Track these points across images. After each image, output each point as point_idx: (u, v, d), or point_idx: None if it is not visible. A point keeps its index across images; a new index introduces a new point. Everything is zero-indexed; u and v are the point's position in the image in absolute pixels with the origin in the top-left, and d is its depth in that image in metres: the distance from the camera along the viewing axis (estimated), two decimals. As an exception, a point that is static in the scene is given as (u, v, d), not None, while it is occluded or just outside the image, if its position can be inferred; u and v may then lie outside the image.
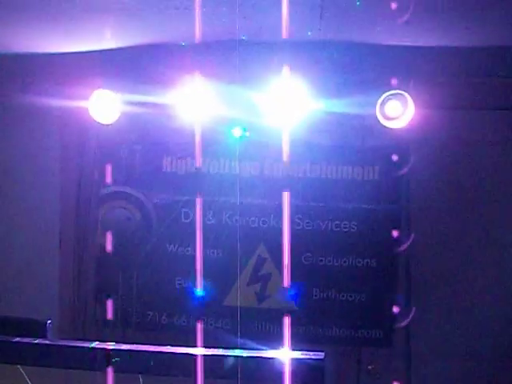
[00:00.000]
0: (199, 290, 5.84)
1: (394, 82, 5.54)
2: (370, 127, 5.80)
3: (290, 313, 5.54)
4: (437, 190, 5.90)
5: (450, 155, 5.86)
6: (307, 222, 6.02)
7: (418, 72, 5.60)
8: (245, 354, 3.79)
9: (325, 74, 5.64)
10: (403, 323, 5.91)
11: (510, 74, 5.60)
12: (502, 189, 5.89)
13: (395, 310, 5.89)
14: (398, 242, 5.90)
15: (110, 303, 6.12)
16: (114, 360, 3.87)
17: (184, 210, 6.14)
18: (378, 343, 5.99)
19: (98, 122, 5.94)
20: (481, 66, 5.57)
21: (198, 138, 5.74)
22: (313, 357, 3.53)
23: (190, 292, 6.00)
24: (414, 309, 5.92)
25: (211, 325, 6.06)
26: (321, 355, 3.51)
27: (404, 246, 5.89)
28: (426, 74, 5.64)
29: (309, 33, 5.14)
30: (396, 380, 5.83)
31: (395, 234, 5.89)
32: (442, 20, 5.02)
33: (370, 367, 5.91)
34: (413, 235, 5.90)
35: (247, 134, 5.93)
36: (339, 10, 4.98)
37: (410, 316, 5.91)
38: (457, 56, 5.48)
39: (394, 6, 4.75)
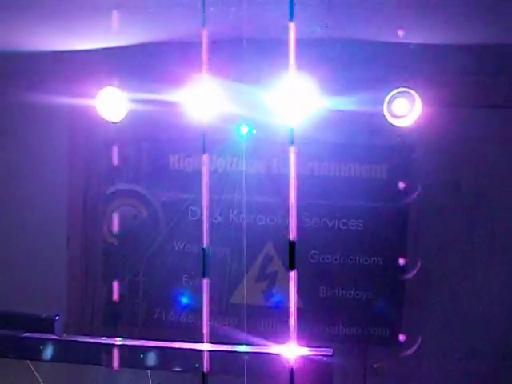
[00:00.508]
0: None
1: (401, 79, 5.54)
2: (377, 125, 5.79)
3: (297, 310, 5.54)
4: (444, 188, 5.89)
5: (457, 153, 5.85)
6: (315, 220, 6.02)
7: (426, 70, 5.59)
8: (252, 349, 3.79)
9: (332, 72, 5.65)
10: (409, 321, 5.91)
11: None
12: (509, 186, 5.88)
13: (402, 308, 5.89)
14: (405, 240, 5.90)
15: (117, 301, 6.14)
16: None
17: (191, 207, 6.14)
18: (385, 341, 5.98)
19: (106, 120, 5.95)
20: (489, 63, 5.56)
21: (204, 136, 5.74)
22: (322, 353, 3.53)
23: (196, 289, 6.01)
24: (420, 307, 5.92)
25: (218, 322, 6.07)
26: (329, 351, 3.51)
27: (411, 244, 5.88)
28: (433, 72, 5.64)
29: (318, 28, 5.14)
30: (402, 378, 5.84)
31: (402, 232, 5.89)
32: (450, 18, 5.03)
33: (376, 365, 5.90)
34: (421, 233, 5.90)
35: (254, 131, 5.93)
36: (347, 8, 4.99)
37: (417, 315, 5.91)
38: (464, 54, 5.48)
39: (401, 4, 4.77)
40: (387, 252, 5.95)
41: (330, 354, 3.44)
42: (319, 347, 3.64)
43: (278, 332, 5.89)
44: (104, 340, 4.44)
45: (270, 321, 6.08)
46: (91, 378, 4.44)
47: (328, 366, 3.44)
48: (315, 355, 3.48)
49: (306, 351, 3.53)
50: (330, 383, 3.37)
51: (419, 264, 5.90)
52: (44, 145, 6.27)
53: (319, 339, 5.77)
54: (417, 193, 5.89)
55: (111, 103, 5.91)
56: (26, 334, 4.06)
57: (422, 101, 5.57)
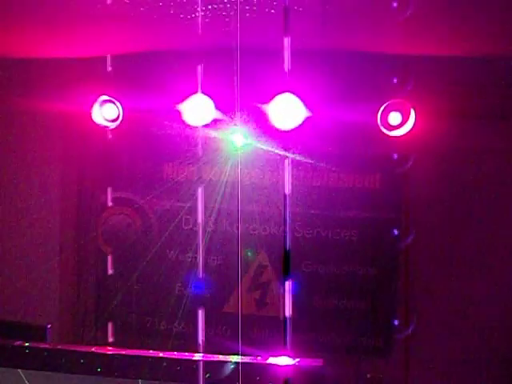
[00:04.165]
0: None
1: (395, 90, 5.56)
2: (371, 135, 5.80)
3: (291, 320, 5.55)
4: (438, 199, 5.90)
5: (451, 164, 5.86)
6: (307, 230, 6.02)
7: (420, 80, 5.61)
8: (244, 360, 3.77)
9: (326, 81, 5.66)
10: (403, 331, 5.91)
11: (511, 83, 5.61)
12: (503, 198, 5.89)
13: (395, 318, 5.89)
14: (398, 250, 5.90)
15: (109, 309, 6.12)
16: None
17: (185, 216, 6.14)
18: (378, 352, 5.98)
19: (100, 127, 5.95)
20: (482, 74, 5.58)
21: (199, 145, 5.75)
22: (312, 364, 3.52)
23: (189, 298, 6.00)
24: (413, 317, 5.91)
25: (211, 331, 6.05)
26: (320, 362, 3.50)
27: (404, 255, 5.89)
28: (427, 83, 5.65)
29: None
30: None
31: (395, 242, 5.90)
32: (445, 30, 5.05)
33: (368, 375, 5.89)
34: (413, 244, 5.90)
35: (249, 141, 5.94)
36: (342, 18, 5.01)
37: (410, 324, 5.91)
38: (459, 65, 5.50)
39: (397, 13, 4.79)
40: (380, 262, 5.95)
41: (321, 364, 3.43)
42: (311, 357, 3.63)
43: (271, 342, 5.89)
44: (96, 349, 4.41)
45: (263, 330, 6.07)
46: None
47: (319, 376, 3.43)
48: (306, 366, 3.46)
49: (296, 361, 3.52)
50: (320, 394, 3.37)
51: (413, 273, 5.91)
52: (37, 152, 6.27)
53: (313, 349, 5.77)
54: (411, 202, 5.90)
55: (106, 110, 5.92)
56: (17, 342, 4.02)
57: (416, 111, 5.58)
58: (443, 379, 5.85)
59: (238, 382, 3.58)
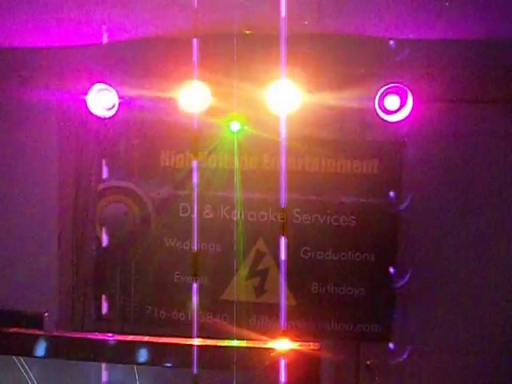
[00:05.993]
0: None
1: (392, 74, 5.53)
2: (368, 121, 5.78)
3: (289, 307, 5.55)
4: (436, 183, 5.89)
5: (448, 148, 5.85)
6: (306, 216, 6.00)
7: (417, 65, 5.59)
8: (242, 344, 3.79)
9: (323, 67, 5.64)
10: (401, 316, 5.91)
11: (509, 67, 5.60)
12: (501, 182, 5.88)
13: (394, 304, 5.88)
14: (396, 236, 5.89)
15: (108, 297, 6.12)
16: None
17: (182, 204, 6.12)
18: (377, 338, 5.96)
19: (97, 116, 5.93)
20: (480, 58, 5.56)
21: (196, 132, 5.74)
22: (309, 347, 3.54)
23: (188, 286, 5.99)
24: (412, 304, 5.92)
25: (209, 319, 6.05)
26: (317, 346, 3.52)
27: (402, 239, 5.88)
28: (425, 67, 5.63)
29: (305, 22, 5.13)
30: (394, 375, 5.84)
31: (394, 228, 5.88)
32: (442, 12, 5.03)
33: (368, 362, 5.89)
34: (412, 229, 5.89)
35: (245, 127, 5.92)
36: (337, 3, 4.99)
37: (409, 311, 5.91)
38: (456, 48, 5.49)
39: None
40: (379, 248, 5.93)
41: (318, 348, 3.45)
42: (308, 342, 3.64)
43: (269, 328, 5.88)
44: (94, 336, 4.43)
45: (261, 317, 6.06)
46: (80, 374, 4.41)
47: (315, 359, 3.45)
48: (303, 349, 3.48)
49: (294, 345, 3.54)
50: (317, 376, 3.39)
51: (411, 260, 5.90)
52: (34, 141, 6.25)
53: (311, 336, 5.75)
54: (409, 187, 5.88)
55: (103, 99, 5.89)
56: (13, 330, 4.03)
57: (414, 96, 5.56)
58: (441, 365, 5.85)
59: (235, 365, 3.59)
